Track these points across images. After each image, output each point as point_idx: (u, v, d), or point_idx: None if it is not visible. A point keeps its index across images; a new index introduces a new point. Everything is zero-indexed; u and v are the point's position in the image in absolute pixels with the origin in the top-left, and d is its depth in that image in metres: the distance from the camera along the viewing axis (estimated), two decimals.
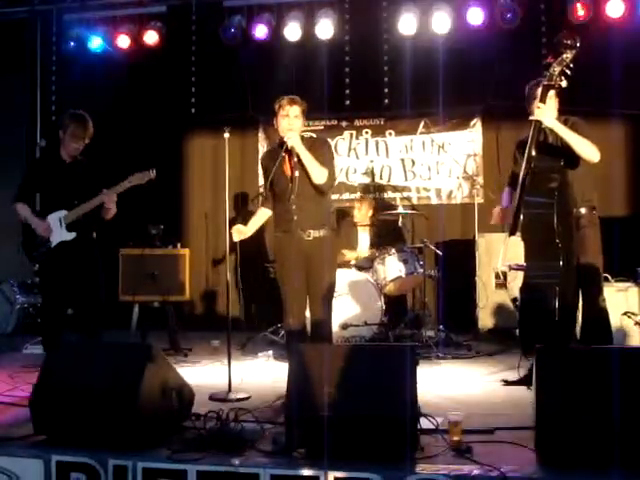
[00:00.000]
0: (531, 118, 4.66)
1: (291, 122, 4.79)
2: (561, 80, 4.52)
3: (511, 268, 4.97)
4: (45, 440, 3.47)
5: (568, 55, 4.49)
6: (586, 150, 4.55)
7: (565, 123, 4.65)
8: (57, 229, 5.43)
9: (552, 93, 4.63)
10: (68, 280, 5.44)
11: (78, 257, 5.45)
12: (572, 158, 4.59)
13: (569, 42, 4.50)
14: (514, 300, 4.85)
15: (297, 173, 4.73)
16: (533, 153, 4.59)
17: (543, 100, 4.56)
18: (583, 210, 4.72)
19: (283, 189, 4.78)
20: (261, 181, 8.71)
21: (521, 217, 4.56)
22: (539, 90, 4.61)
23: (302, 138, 4.84)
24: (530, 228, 4.53)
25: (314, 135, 5.84)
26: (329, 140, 5.85)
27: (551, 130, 4.66)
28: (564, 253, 4.36)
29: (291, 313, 4.85)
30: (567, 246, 4.41)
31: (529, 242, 4.57)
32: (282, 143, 4.75)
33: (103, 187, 5.44)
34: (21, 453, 3.33)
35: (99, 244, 5.68)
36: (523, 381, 4.75)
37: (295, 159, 4.72)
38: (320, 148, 4.87)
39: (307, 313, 4.93)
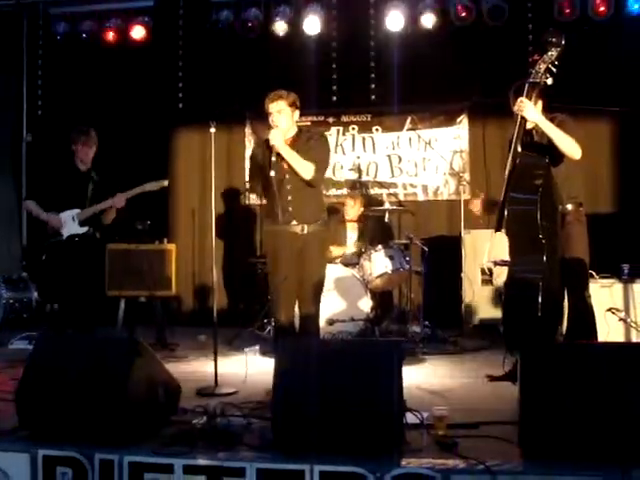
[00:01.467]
0: (516, 112, 4.67)
1: (274, 118, 4.79)
2: (546, 78, 4.54)
3: (496, 264, 5.00)
4: (31, 434, 3.45)
5: (553, 53, 4.51)
6: (567, 146, 4.56)
7: (552, 120, 4.67)
8: (69, 224, 5.95)
9: (536, 91, 4.64)
10: (69, 273, 5.82)
11: (84, 252, 5.95)
12: (557, 155, 4.62)
13: (554, 40, 4.52)
14: (499, 295, 4.89)
15: (288, 167, 4.73)
16: (519, 149, 4.62)
17: (529, 97, 4.58)
18: (569, 207, 4.74)
19: (277, 182, 4.72)
20: (248, 176, 8.75)
21: (506, 213, 4.59)
22: (525, 88, 4.62)
23: (300, 131, 4.91)
24: (514, 224, 4.56)
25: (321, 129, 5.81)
26: (326, 133, 5.87)
27: (538, 127, 4.68)
28: (548, 249, 4.38)
29: (281, 308, 4.87)
30: (551, 242, 4.43)
31: (513, 238, 4.60)
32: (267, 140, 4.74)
33: (113, 190, 5.99)
34: (7, 447, 3.32)
35: (101, 244, 6.25)
36: (508, 376, 4.78)
37: (274, 156, 4.66)
38: (314, 141, 4.88)
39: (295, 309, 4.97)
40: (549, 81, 4.55)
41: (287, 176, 4.77)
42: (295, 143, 4.84)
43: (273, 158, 4.66)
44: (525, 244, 4.49)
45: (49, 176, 6.23)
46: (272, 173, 4.65)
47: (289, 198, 4.77)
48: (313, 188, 4.84)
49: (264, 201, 5.03)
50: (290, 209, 4.77)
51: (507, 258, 4.73)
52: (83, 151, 6.07)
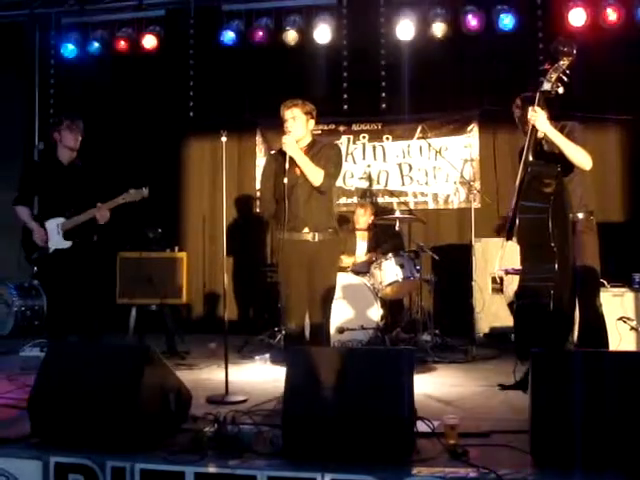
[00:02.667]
0: (528, 119, 4.65)
1: (289, 125, 4.89)
2: (557, 87, 4.53)
3: (507, 272, 4.99)
4: (43, 441, 3.47)
5: (565, 62, 4.50)
6: (577, 157, 4.56)
7: (562, 129, 4.66)
8: (54, 235, 5.56)
9: (545, 100, 4.63)
10: (68, 283, 5.52)
11: (75, 263, 5.55)
12: (567, 164, 4.60)
13: (565, 49, 4.50)
14: (511, 304, 4.87)
15: (301, 175, 4.81)
16: (530, 158, 4.60)
17: (540, 106, 4.57)
18: (580, 215, 4.71)
19: (289, 189, 4.80)
20: (258, 184, 8.76)
21: (517, 222, 4.57)
22: (536, 97, 4.61)
23: (313, 141, 5.00)
24: (525, 232, 4.53)
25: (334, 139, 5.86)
26: (338, 143, 5.90)
27: (545, 136, 4.67)
28: (559, 257, 4.36)
29: (292, 315, 4.93)
30: (562, 250, 4.41)
31: (525, 246, 4.57)
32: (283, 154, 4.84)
33: (99, 191, 5.58)
34: (19, 454, 3.33)
35: (101, 247, 5.79)
36: (519, 385, 4.76)
37: (287, 164, 4.77)
38: (327, 150, 4.99)
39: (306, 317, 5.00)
40: (560, 90, 4.54)
41: (299, 181, 4.84)
42: (308, 151, 4.93)
43: (287, 165, 4.75)
44: (536, 253, 4.46)
45: (29, 173, 5.82)
46: (285, 180, 4.75)
47: (300, 204, 4.83)
48: (324, 195, 4.88)
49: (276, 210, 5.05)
50: (301, 215, 4.83)
51: (518, 267, 4.72)
52: (66, 138, 5.58)
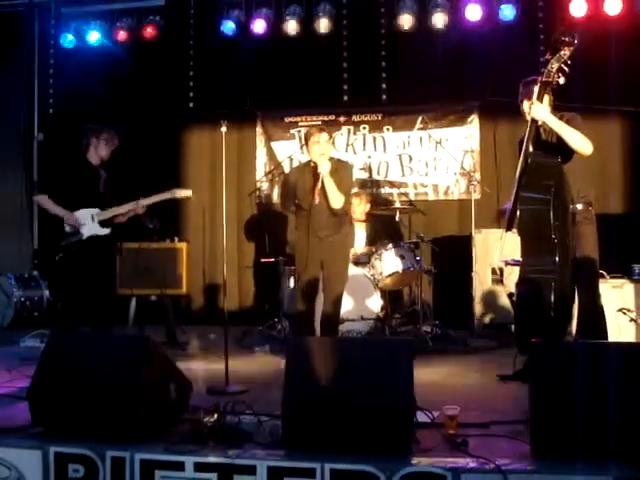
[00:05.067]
0: (526, 112, 4.66)
1: (322, 147, 5.39)
2: (558, 77, 4.51)
3: (507, 264, 5.00)
4: (43, 432, 3.48)
5: (566, 52, 4.47)
6: (578, 142, 4.54)
7: (560, 118, 4.64)
8: (89, 223, 5.70)
9: (547, 90, 4.62)
10: (86, 272, 5.64)
11: (102, 252, 5.78)
12: (567, 153, 4.59)
13: (567, 39, 4.47)
14: (510, 295, 4.88)
15: (317, 199, 5.31)
16: (530, 149, 4.60)
17: (540, 97, 4.56)
18: (579, 206, 4.70)
19: (307, 204, 5.40)
20: (258, 175, 8.79)
21: (517, 213, 4.56)
22: (535, 87, 4.60)
23: (330, 159, 5.43)
24: (526, 223, 4.52)
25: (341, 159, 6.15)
26: (350, 163, 6.21)
27: (545, 125, 4.66)
28: (560, 249, 4.36)
29: (302, 300, 5.49)
30: (564, 241, 4.41)
31: (525, 237, 4.58)
32: (315, 167, 5.40)
33: (121, 193, 5.91)
34: (19, 444, 3.33)
35: (112, 240, 5.99)
36: (518, 376, 4.77)
37: (320, 183, 5.30)
38: (344, 171, 5.55)
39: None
40: (561, 80, 4.52)
41: (319, 200, 5.32)
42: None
43: (319, 185, 5.30)
44: (537, 243, 4.46)
45: (62, 171, 5.96)
46: (317, 200, 5.29)
47: (322, 218, 5.40)
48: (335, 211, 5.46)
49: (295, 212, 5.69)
50: (317, 227, 5.39)
51: (518, 258, 4.72)
52: (102, 147, 5.86)
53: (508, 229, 4.71)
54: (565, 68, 4.50)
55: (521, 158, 4.61)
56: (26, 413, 3.56)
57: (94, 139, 5.83)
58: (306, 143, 5.55)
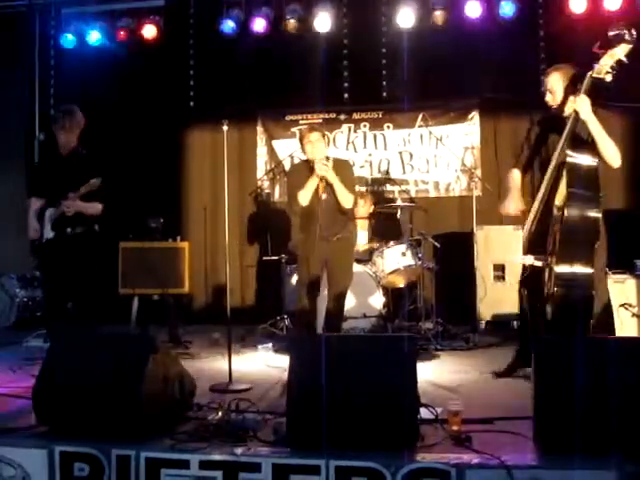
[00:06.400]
0: (572, 105, 4.37)
1: (315, 146, 5.44)
2: (608, 74, 4.23)
3: (535, 261, 4.67)
4: (48, 431, 3.49)
5: (622, 49, 4.17)
6: (610, 152, 4.33)
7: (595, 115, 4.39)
8: (47, 225, 5.52)
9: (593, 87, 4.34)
10: (63, 274, 5.44)
11: (66, 253, 5.44)
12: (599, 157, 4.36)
13: (626, 35, 4.16)
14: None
15: (324, 196, 5.39)
16: (567, 150, 4.31)
17: (587, 92, 4.29)
18: None
19: (312, 206, 5.41)
20: (260, 174, 8.79)
21: (565, 211, 4.22)
22: (585, 81, 4.31)
23: (326, 158, 5.44)
24: (571, 225, 4.21)
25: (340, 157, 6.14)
26: (349, 160, 6.28)
27: (584, 124, 4.36)
28: (598, 256, 4.25)
29: (304, 297, 5.50)
30: (600, 248, 4.30)
31: (565, 240, 4.25)
32: (312, 167, 5.40)
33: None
34: (25, 444, 3.35)
35: (103, 236, 5.69)
36: (510, 370, 4.79)
37: (324, 183, 5.37)
38: (344, 171, 5.54)
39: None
40: (608, 78, 4.25)
41: (323, 202, 5.40)
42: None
43: (323, 183, 5.37)
44: (575, 252, 4.22)
45: (36, 165, 5.80)
46: (324, 196, 5.39)
47: (327, 217, 5.38)
48: (342, 211, 5.51)
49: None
50: (324, 227, 5.35)
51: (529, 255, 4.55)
52: (60, 134, 5.54)
53: (536, 224, 4.48)
54: (617, 66, 4.22)
55: (557, 152, 4.36)
56: (31, 412, 3.57)
57: (55, 128, 5.57)
58: (301, 144, 5.60)
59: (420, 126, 8.28)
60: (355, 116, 8.72)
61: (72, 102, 5.75)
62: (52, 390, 3.52)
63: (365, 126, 8.71)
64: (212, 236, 8.85)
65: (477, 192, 7.47)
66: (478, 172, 8.22)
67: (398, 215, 7.48)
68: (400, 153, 8.60)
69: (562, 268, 4.25)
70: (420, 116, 7.82)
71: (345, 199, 5.42)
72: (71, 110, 5.62)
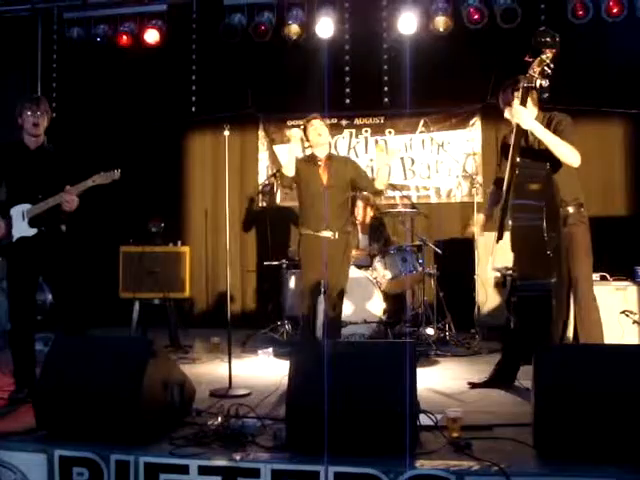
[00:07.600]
0: (507, 118, 4.56)
1: (319, 130, 5.58)
2: (541, 80, 4.29)
3: (500, 272, 4.78)
4: (48, 435, 3.49)
5: (548, 54, 4.25)
6: (565, 153, 4.35)
7: (550, 121, 4.51)
8: (19, 223, 4.96)
9: (532, 94, 4.47)
10: (32, 275, 5.02)
11: (43, 253, 4.97)
12: (555, 160, 4.39)
13: (548, 40, 4.27)
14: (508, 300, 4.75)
15: (332, 184, 5.51)
16: (517, 159, 4.38)
17: (524, 102, 4.38)
18: (571, 209, 4.53)
19: (315, 190, 5.51)
20: (261, 178, 8.80)
21: (509, 223, 4.34)
22: (517, 92, 4.44)
23: (331, 156, 5.63)
24: (519, 237, 4.29)
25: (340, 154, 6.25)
26: (339, 137, 6.27)
27: (531, 132, 4.46)
28: (555, 264, 4.22)
29: (307, 302, 5.54)
30: (558, 255, 4.28)
31: (518, 253, 4.35)
32: (317, 157, 5.60)
33: (69, 178, 5.01)
34: (24, 448, 3.35)
35: (70, 237, 5.19)
36: (490, 382, 4.80)
37: (323, 165, 5.57)
38: (351, 164, 5.82)
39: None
40: (544, 83, 4.29)
41: (329, 190, 5.47)
42: (328, 162, 5.64)
43: (325, 177, 5.54)
44: (531, 262, 4.25)
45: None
46: (321, 187, 5.48)
47: (328, 210, 5.43)
48: (345, 202, 5.65)
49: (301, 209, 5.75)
50: (326, 218, 5.43)
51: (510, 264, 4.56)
52: (25, 121, 4.96)
53: (499, 238, 4.51)
54: (548, 71, 4.27)
55: (508, 167, 4.40)
56: (30, 416, 3.57)
57: (19, 119, 5.03)
58: (305, 135, 5.64)
59: (421, 132, 8.25)
60: (357, 121, 8.74)
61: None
62: (52, 394, 3.52)
63: (367, 131, 8.72)
64: (213, 241, 8.86)
65: (478, 198, 7.47)
66: (479, 178, 8.23)
67: (399, 221, 7.46)
68: (402, 159, 8.61)
69: (519, 279, 4.34)
70: (422, 122, 7.81)
71: (385, 177, 5.67)
72: (38, 98, 5.14)
